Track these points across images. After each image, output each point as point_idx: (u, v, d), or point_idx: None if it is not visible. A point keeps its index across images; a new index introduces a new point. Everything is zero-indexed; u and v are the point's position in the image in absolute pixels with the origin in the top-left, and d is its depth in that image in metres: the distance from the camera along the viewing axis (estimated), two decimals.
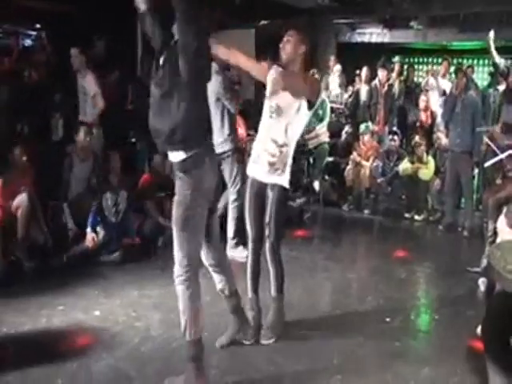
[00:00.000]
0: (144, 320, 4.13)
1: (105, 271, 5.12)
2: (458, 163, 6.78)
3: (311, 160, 7.77)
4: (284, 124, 3.67)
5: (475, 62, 10.33)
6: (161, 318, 4.18)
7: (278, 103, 3.67)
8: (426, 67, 9.81)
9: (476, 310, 4.30)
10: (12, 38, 8.33)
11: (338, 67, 9.10)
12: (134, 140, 7.51)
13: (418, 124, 8.38)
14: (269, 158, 3.70)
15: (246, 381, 3.34)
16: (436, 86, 8.58)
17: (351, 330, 4.07)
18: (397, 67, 8.96)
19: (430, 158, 7.46)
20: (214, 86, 4.86)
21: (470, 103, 6.68)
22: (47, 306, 4.28)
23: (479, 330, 3.17)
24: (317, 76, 7.71)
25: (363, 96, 8.75)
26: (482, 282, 4.90)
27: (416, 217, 7.49)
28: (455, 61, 9.76)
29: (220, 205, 4.75)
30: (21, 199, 5.02)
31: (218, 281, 3.56)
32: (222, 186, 5.54)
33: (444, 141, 7.34)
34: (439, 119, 7.97)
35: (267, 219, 3.76)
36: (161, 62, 3.11)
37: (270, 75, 3.71)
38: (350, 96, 8.96)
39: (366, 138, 7.97)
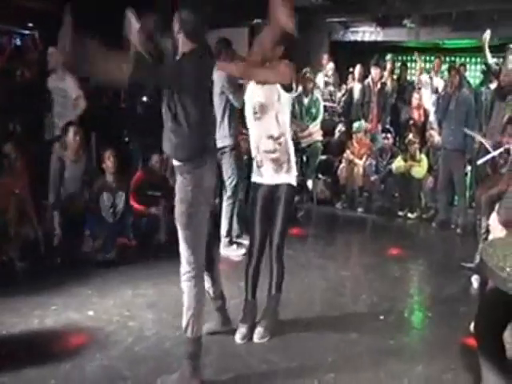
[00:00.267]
0: (138, 320, 4.12)
1: (98, 271, 5.10)
2: (451, 161, 6.80)
3: (304, 158, 7.76)
4: (273, 116, 3.68)
5: (467, 60, 10.36)
6: (154, 318, 4.17)
7: (259, 101, 3.70)
8: (418, 65, 9.81)
9: (469, 307, 4.31)
10: (4, 37, 8.30)
11: (330, 65, 9.10)
12: (127, 139, 7.48)
13: (411, 122, 8.39)
14: (271, 155, 3.72)
15: (239, 379, 3.34)
16: (429, 84, 8.60)
17: (345, 327, 4.07)
18: (389, 65, 8.97)
19: (423, 156, 7.48)
20: (218, 79, 4.84)
21: (464, 101, 6.70)
22: (40, 306, 4.27)
23: (472, 326, 3.18)
24: (309, 75, 7.73)
25: (356, 94, 8.76)
26: (475, 279, 4.92)
27: (409, 215, 7.51)
28: (448, 59, 9.79)
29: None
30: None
31: (206, 280, 3.54)
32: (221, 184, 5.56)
33: (437, 138, 7.37)
34: (432, 117, 7.99)
35: (275, 220, 3.77)
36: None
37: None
38: (343, 94, 8.97)
39: (360, 136, 7.99)
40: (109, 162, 5.59)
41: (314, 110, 7.56)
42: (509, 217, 2.75)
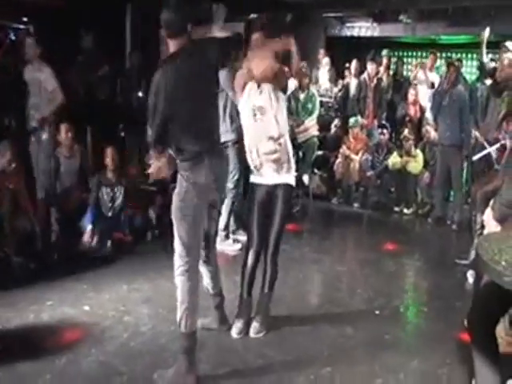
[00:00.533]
0: (133, 315, 4.12)
1: (94, 266, 5.09)
2: (448, 157, 6.81)
3: (300, 154, 7.75)
4: (273, 117, 3.69)
5: (464, 55, 10.36)
6: (150, 313, 4.17)
7: (259, 103, 3.71)
8: (414, 61, 9.82)
9: (464, 301, 4.31)
10: (0, 33, 8.26)
11: (326, 60, 9.09)
12: (123, 134, 7.47)
13: (407, 119, 8.39)
14: (272, 156, 3.72)
15: (236, 374, 3.34)
16: (424, 80, 8.60)
17: (341, 322, 4.08)
18: (385, 61, 8.97)
19: (419, 152, 7.48)
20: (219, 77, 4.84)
21: (458, 97, 6.71)
22: (36, 300, 4.26)
23: (466, 321, 3.19)
24: (305, 70, 7.72)
25: (352, 90, 8.76)
26: (470, 275, 4.93)
27: (405, 210, 7.52)
28: (444, 55, 9.79)
29: None
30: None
31: (205, 276, 3.58)
32: None
33: (433, 134, 7.37)
34: (428, 113, 7.99)
35: (273, 220, 3.77)
36: None
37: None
38: (339, 90, 8.96)
39: (356, 131, 7.99)
40: (109, 160, 5.58)
41: (310, 106, 7.55)
42: (503, 212, 2.76)
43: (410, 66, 10.35)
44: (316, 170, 8.18)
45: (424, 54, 9.71)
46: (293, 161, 3.84)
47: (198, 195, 3.16)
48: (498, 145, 5.60)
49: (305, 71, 7.65)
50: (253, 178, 3.88)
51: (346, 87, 8.88)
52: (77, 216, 5.56)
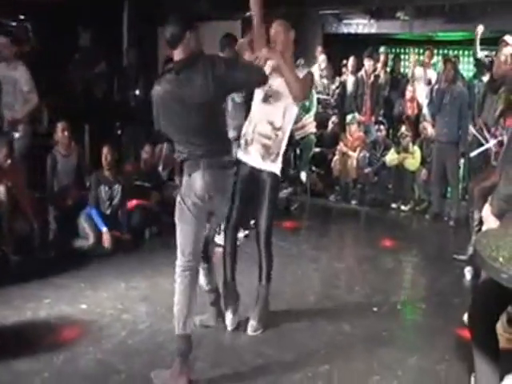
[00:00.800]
0: (131, 313, 4.11)
1: (91, 264, 5.09)
2: (445, 153, 6.82)
3: (298, 151, 7.76)
4: (282, 108, 3.66)
5: (461, 52, 10.36)
6: (148, 311, 4.16)
7: (277, 87, 3.66)
8: (412, 58, 9.80)
9: (462, 298, 4.33)
10: None
11: (322, 57, 9.08)
12: (119, 132, 7.46)
13: (404, 115, 8.38)
14: (265, 140, 3.68)
15: (233, 373, 3.34)
16: (422, 77, 8.59)
17: (338, 319, 4.08)
18: (383, 58, 8.96)
19: (416, 148, 7.48)
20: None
21: (459, 95, 6.71)
22: (33, 298, 4.25)
23: (466, 317, 3.20)
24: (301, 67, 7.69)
25: (350, 87, 8.75)
26: (468, 271, 4.94)
27: (403, 207, 7.52)
28: (441, 51, 9.78)
29: None
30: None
31: (201, 273, 3.56)
32: None
33: (430, 131, 7.37)
34: (425, 109, 7.99)
35: (261, 208, 3.74)
36: None
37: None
38: (337, 87, 8.95)
39: (353, 128, 7.99)
40: (105, 159, 5.57)
41: (307, 103, 7.54)
42: (501, 208, 2.76)
43: (407, 63, 10.34)
44: (313, 167, 8.17)
45: (421, 51, 9.68)
46: (280, 159, 3.77)
47: (195, 203, 3.16)
48: (495, 141, 5.60)
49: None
50: (239, 155, 3.78)
51: (344, 84, 8.86)
52: (74, 214, 5.55)
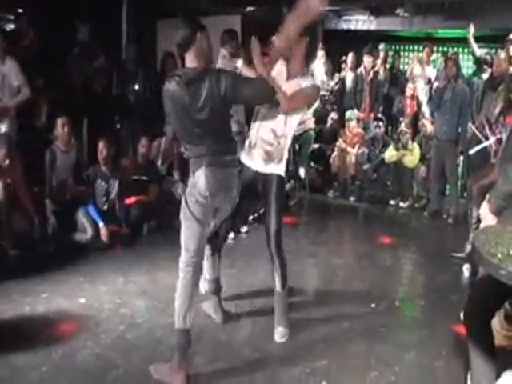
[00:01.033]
0: (130, 307, 4.12)
1: (89, 258, 5.09)
2: (444, 151, 6.82)
3: (297, 147, 7.76)
4: (284, 116, 3.62)
5: (460, 49, 10.34)
6: (147, 305, 4.17)
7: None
8: (411, 54, 9.79)
9: (461, 295, 4.34)
10: None
11: (321, 53, 9.06)
12: (118, 126, 7.44)
13: (403, 112, 8.38)
14: (266, 147, 3.67)
15: (231, 368, 3.35)
16: (421, 74, 8.58)
17: (337, 315, 4.09)
18: (382, 54, 8.95)
19: (415, 145, 7.49)
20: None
21: (460, 93, 6.71)
22: (31, 293, 4.25)
23: (462, 314, 3.21)
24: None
25: (349, 83, 8.75)
26: (466, 269, 4.95)
27: (401, 204, 7.54)
28: (440, 48, 9.77)
29: None
30: None
31: (206, 264, 3.63)
32: None
33: (429, 128, 7.38)
34: (424, 106, 7.99)
35: (270, 212, 3.73)
36: None
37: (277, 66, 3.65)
38: (336, 83, 8.94)
39: (352, 124, 7.99)
40: (101, 153, 5.56)
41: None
42: (499, 205, 2.76)
43: (406, 60, 10.33)
44: (312, 164, 8.17)
45: (421, 48, 9.67)
46: (285, 158, 3.76)
47: (199, 201, 3.18)
48: (494, 138, 5.60)
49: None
50: (243, 158, 3.76)
51: (343, 80, 8.86)
52: (72, 209, 5.54)
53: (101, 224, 5.38)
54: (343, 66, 9.12)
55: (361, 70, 8.66)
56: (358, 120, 8.24)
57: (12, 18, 7.86)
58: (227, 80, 3.05)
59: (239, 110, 5.44)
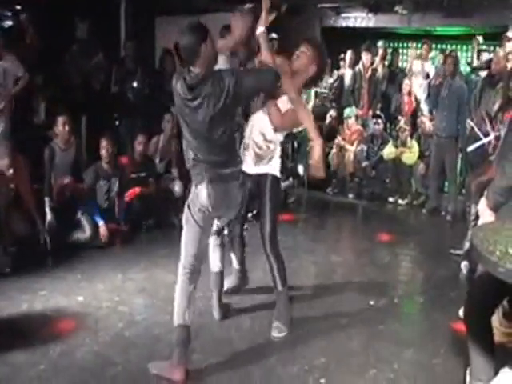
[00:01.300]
0: (128, 305, 4.11)
1: (87, 255, 5.08)
2: (443, 148, 6.82)
3: (295, 144, 7.75)
4: None
5: (459, 47, 10.33)
6: (145, 303, 4.17)
7: (277, 103, 3.66)
8: (410, 52, 9.78)
9: (459, 292, 4.34)
10: None
11: None
12: (117, 123, 7.44)
13: (403, 108, 8.37)
14: (257, 149, 3.70)
15: (229, 365, 3.34)
16: (419, 71, 8.57)
17: (335, 312, 4.09)
18: (381, 52, 8.94)
19: (414, 143, 7.49)
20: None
21: (457, 89, 6.70)
22: (29, 290, 4.25)
23: (461, 311, 3.21)
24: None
25: (347, 80, 8.74)
26: (464, 266, 4.94)
27: (400, 201, 7.53)
28: (439, 46, 9.76)
29: None
30: None
31: (212, 256, 3.82)
32: None
33: (428, 125, 7.37)
34: (423, 104, 7.98)
35: (263, 213, 3.73)
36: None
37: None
38: (335, 81, 8.93)
39: (351, 122, 7.98)
40: (105, 151, 5.54)
41: (304, 96, 7.53)
42: (496, 201, 2.76)
43: (405, 57, 10.32)
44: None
45: (419, 45, 9.66)
46: (277, 160, 3.77)
47: (201, 210, 3.19)
48: (492, 135, 5.59)
49: None
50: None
51: (341, 78, 8.85)
52: (70, 206, 5.53)
53: (101, 223, 5.37)
54: (342, 63, 9.11)
55: (359, 67, 8.64)
56: (357, 117, 8.22)
57: (10, 14, 7.84)
58: (230, 76, 3.05)
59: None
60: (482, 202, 2.86)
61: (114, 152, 5.64)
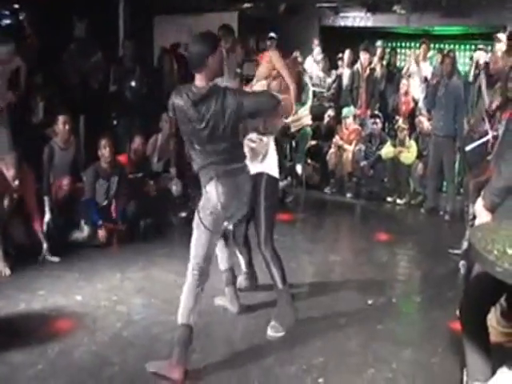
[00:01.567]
0: (126, 304, 4.11)
1: (85, 255, 5.07)
2: (441, 147, 6.82)
3: (294, 143, 7.76)
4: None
5: (457, 47, 10.34)
6: (143, 302, 4.16)
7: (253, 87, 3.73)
8: (408, 51, 9.80)
9: (457, 291, 4.34)
10: None
11: (317, 50, 9.06)
12: (115, 122, 7.43)
13: (401, 108, 8.38)
14: (251, 144, 3.71)
15: (228, 365, 3.34)
16: (417, 71, 8.58)
17: (333, 312, 4.09)
18: (379, 51, 8.94)
19: (412, 142, 7.49)
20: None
21: (454, 89, 6.70)
22: (27, 290, 4.25)
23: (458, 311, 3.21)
24: (300, 59, 7.72)
25: (345, 80, 8.74)
26: (462, 265, 4.94)
27: (398, 200, 7.53)
28: (437, 46, 9.77)
29: None
30: None
31: (221, 256, 3.89)
32: None
33: (426, 125, 7.37)
34: (421, 103, 7.99)
35: (258, 213, 3.72)
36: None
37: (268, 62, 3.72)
38: (333, 81, 8.93)
39: (349, 121, 7.98)
40: (105, 151, 5.52)
41: (303, 95, 7.52)
42: (493, 201, 2.77)
43: (403, 57, 10.32)
44: (309, 160, 8.16)
45: (417, 45, 9.68)
46: (272, 157, 3.77)
47: (212, 213, 3.21)
48: (490, 135, 5.59)
49: (298, 61, 7.64)
50: None
51: (339, 77, 8.85)
52: (69, 206, 5.53)
53: (99, 222, 5.36)
54: (340, 62, 9.11)
55: (357, 66, 8.65)
56: (355, 117, 8.23)
57: (8, 13, 7.83)
58: (233, 98, 3.11)
59: None
60: (479, 202, 2.86)
61: (113, 151, 5.63)
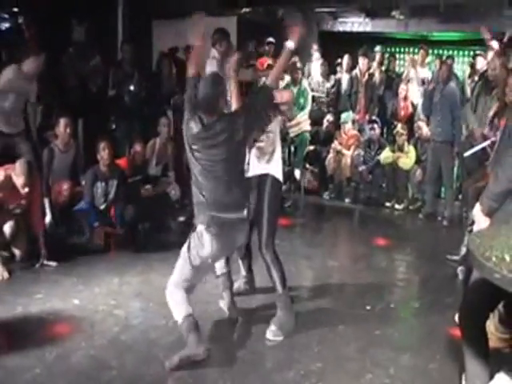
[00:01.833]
0: (124, 308, 4.11)
1: (83, 258, 5.06)
2: (439, 153, 6.83)
3: (292, 148, 7.76)
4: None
5: (455, 52, 10.37)
6: (141, 307, 4.16)
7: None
8: (407, 57, 9.82)
9: (455, 297, 4.33)
10: None
11: (316, 55, 9.08)
12: (114, 126, 7.43)
13: (399, 113, 8.39)
14: (258, 143, 3.73)
15: (225, 369, 3.34)
16: (416, 77, 8.60)
17: (331, 317, 4.08)
18: (378, 56, 8.96)
19: (411, 148, 7.49)
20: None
21: (450, 94, 6.72)
22: (24, 293, 4.24)
23: (457, 316, 3.21)
24: (299, 65, 7.74)
25: (344, 85, 8.75)
26: (460, 271, 4.94)
27: (396, 206, 7.54)
28: (435, 51, 9.80)
29: None
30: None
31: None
32: None
33: (425, 130, 7.38)
34: (419, 109, 8.00)
35: (261, 214, 3.72)
36: None
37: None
38: (332, 86, 8.95)
39: (348, 126, 7.99)
40: (104, 154, 5.52)
41: (302, 100, 7.54)
42: (491, 206, 2.77)
43: (402, 62, 10.35)
44: (308, 165, 8.17)
45: (416, 51, 9.71)
46: (278, 156, 3.80)
47: (202, 256, 3.30)
48: (489, 141, 5.61)
49: (297, 66, 7.65)
50: None
51: (338, 82, 8.86)
52: (68, 209, 5.52)
53: (96, 224, 5.35)
54: (339, 68, 9.13)
55: (356, 71, 8.66)
56: (354, 122, 8.24)
57: (7, 17, 7.84)
58: (240, 120, 3.27)
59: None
60: (477, 207, 2.87)
61: (112, 154, 5.62)
